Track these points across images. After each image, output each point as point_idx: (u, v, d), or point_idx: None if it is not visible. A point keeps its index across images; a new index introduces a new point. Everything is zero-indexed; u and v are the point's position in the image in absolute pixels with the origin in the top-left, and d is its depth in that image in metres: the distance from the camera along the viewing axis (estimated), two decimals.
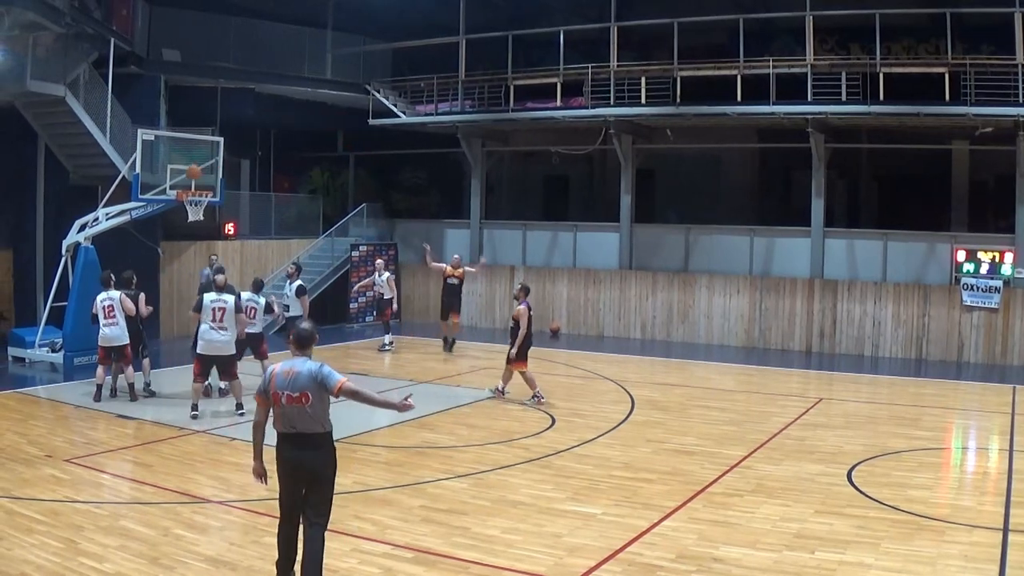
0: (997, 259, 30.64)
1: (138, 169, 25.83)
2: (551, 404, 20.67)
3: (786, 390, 23.66)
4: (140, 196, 26.13)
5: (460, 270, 29.45)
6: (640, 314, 33.88)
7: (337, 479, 10.01)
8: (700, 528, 12.42)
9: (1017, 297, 29.98)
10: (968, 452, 19.37)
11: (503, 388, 21.48)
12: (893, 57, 31.83)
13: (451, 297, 29.36)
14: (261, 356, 20.96)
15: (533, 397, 20.94)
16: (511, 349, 21.14)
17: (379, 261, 30.92)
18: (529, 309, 21.60)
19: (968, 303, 30.30)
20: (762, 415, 20.73)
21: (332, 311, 34.93)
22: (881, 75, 30.34)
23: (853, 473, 15.58)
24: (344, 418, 15.55)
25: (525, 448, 16.60)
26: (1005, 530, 12.82)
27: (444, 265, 29.90)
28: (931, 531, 12.54)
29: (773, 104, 30.94)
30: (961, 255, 31.04)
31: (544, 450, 16.26)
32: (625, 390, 23.13)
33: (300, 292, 24.92)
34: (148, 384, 20.81)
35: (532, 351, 21.86)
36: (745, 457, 16.52)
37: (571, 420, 19.20)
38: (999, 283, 30.10)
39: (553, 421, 19.01)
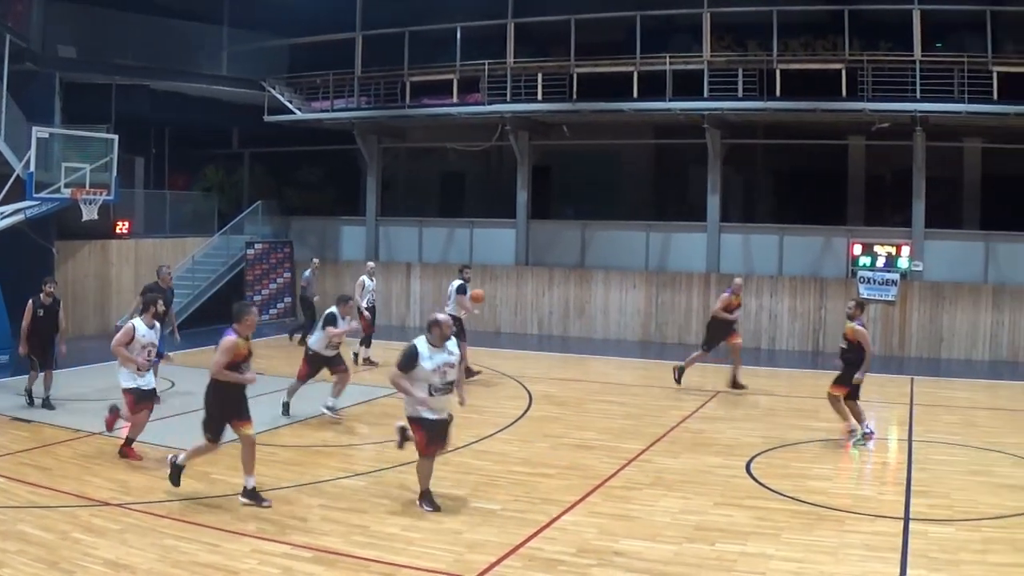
0: (894, 252, 31.09)
1: (32, 167, 25.47)
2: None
3: (684, 383, 23.77)
4: (34, 195, 25.77)
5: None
6: (537, 310, 33.97)
7: (234, 479, 9.93)
8: (600, 522, 12.46)
9: (914, 290, 30.47)
10: (867, 443, 19.61)
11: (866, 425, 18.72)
12: (790, 54, 32.07)
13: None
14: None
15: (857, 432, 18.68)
16: (856, 374, 18.16)
17: (370, 264, 29.00)
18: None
19: (865, 296, 30.67)
20: (660, 409, 20.85)
21: (227, 309, 34.33)
22: (778, 71, 30.65)
23: (752, 465, 15.73)
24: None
25: None
26: (906, 519, 13.00)
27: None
28: (832, 521, 12.68)
29: (670, 100, 31.16)
30: (858, 249, 31.56)
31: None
32: (523, 386, 23.17)
33: (461, 291, 24.14)
34: (47, 398, 20.13)
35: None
36: (644, 451, 16.60)
37: (469, 416, 19.05)
38: (896, 276, 30.59)
39: (450, 418, 18.95)
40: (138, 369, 15.14)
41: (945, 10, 30.86)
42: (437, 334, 12.73)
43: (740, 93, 31.11)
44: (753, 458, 16.17)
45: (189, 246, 35.44)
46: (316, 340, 18.80)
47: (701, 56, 31.65)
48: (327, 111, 35.99)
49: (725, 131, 32.86)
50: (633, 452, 16.42)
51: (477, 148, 36.34)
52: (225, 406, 12.94)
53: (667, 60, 31.47)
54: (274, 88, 35.87)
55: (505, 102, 33.15)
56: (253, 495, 12.88)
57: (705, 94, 31.18)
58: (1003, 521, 13.08)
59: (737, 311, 23.58)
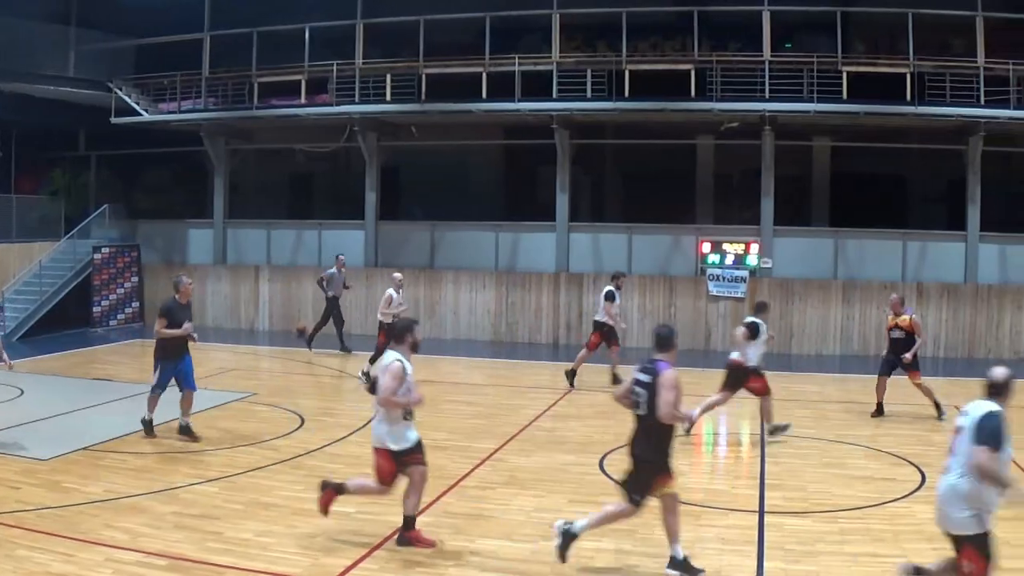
0: (743, 250, 31.58)
1: None
2: (298, 404, 20.56)
3: (535, 383, 23.95)
4: None
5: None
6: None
7: (86, 487, 9.80)
8: (455, 522, 12.52)
9: (763, 287, 30.96)
10: (719, 437, 19.94)
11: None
12: (639, 55, 32.40)
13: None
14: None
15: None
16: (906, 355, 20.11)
17: (397, 275, 26.15)
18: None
19: (714, 293, 31.21)
20: (512, 408, 20.97)
21: (75, 315, 33.97)
22: (627, 72, 30.93)
23: (605, 462, 15.85)
24: (92, 425, 15.29)
25: (275, 449, 16.44)
26: (761, 512, 13.27)
27: None
28: (687, 516, 12.74)
29: (519, 101, 31.28)
30: (706, 247, 31.97)
31: (295, 450, 16.14)
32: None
33: (609, 297, 23.98)
34: None
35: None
36: (496, 450, 16.69)
37: (321, 419, 19.10)
38: (744, 273, 31.05)
39: (303, 421, 18.83)
40: None
41: (795, 11, 31.43)
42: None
43: (589, 94, 31.35)
44: (606, 455, 16.26)
45: (36, 251, 34.66)
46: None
47: (550, 57, 31.86)
48: (174, 112, 35.44)
49: (574, 131, 33.06)
50: (486, 452, 16.51)
51: (325, 149, 36.12)
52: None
53: (516, 61, 31.62)
54: (121, 89, 35.24)
55: (354, 103, 33.01)
56: None
57: (554, 95, 31.38)
58: (859, 512, 13.41)
59: None
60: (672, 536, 11.10)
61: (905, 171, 35.05)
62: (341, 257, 30.23)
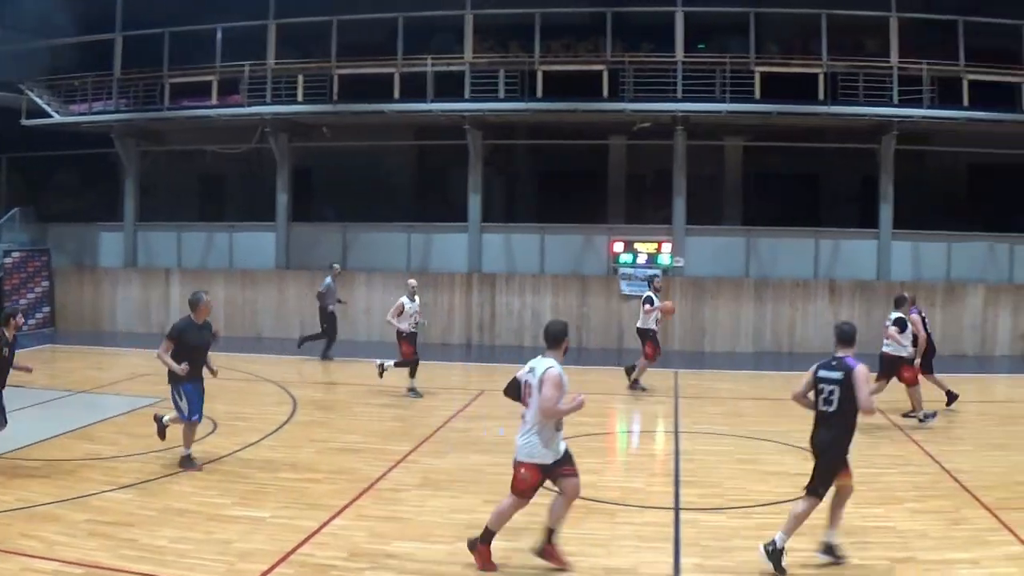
0: (655, 250, 31.83)
1: None
2: (210, 408, 20.46)
3: (448, 383, 24.00)
4: None
5: None
6: (299, 314, 33.57)
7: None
8: (371, 525, 12.48)
9: (675, 285, 31.16)
10: (634, 436, 20.10)
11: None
12: (552, 55, 32.58)
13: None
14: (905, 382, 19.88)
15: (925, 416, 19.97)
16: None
17: (411, 281, 24.51)
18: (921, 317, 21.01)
19: (626, 292, 31.38)
20: (426, 409, 20.97)
21: None
22: (540, 73, 31.11)
23: None
24: (2, 434, 15.15)
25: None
26: (676, 509, 13.36)
27: None
28: (603, 514, 12.93)
29: (431, 102, 31.36)
30: (619, 246, 32.14)
31: (208, 455, 15.95)
32: (287, 391, 22.96)
33: (648, 301, 23.91)
34: None
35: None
36: (411, 452, 16.65)
37: (233, 424, 18.95)
38: (657, 272, 31.22)
39: (215, 426, 18.58)
40: None
41: (708, 12, 31.78)
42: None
43: (502, 94, 31.48)
44: None
45: None
46: None
47: (463, 57, 31.97)
48: (86, 114, 35.14)
49: (487, 132, 33.16)
50: (400, 453, 16.45)
51: (237, 150, 35.84)
52: None
53: (429, 61, 31.70)
54: (32, 91, 34.92)
55: (265, 103, 32.96)
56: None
57: (467, 95, 31.49)
58: (774, 507, 13.51)
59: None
60: (833, 522, 11.51)
61: (818, 170, 35.54)
62: (336, 266, 30.12)
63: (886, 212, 32.41)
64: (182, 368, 15.02)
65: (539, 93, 31.38)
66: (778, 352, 31.27)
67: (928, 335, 20.71)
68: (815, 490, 11.42)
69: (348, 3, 32.68)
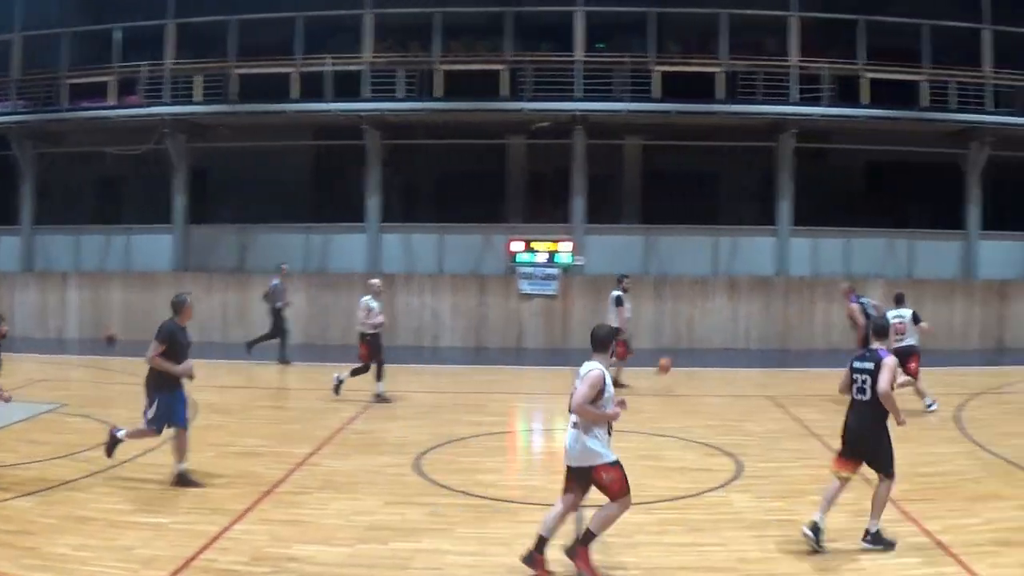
0: (555, 248, 31.94)
1: None
2: (110, 414, 20.24)
3: (347, 385, 23.97)
4: None
5: None
6: (196, 316, 32.89)
7: None
8: (272, 528, 12.37)
9: (574, 284, 31.36)
10: (535, 434, 20.17)
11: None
12: (452, 55, 32.63)
13: None
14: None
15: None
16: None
17: (374, 281, 23.94)
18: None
19: (526, 291, 31.47)
20: (326, 411, 20.87)
21: None
22: (440, 72, 31.16)
23: (421, 462, 15.90)
24: None
25: (89, 461, 15.98)
26: (578, 506, 13.45)
27: None
28: (505, 513, 12.94)
29: (330, 102, 31.29)
30: (518, 246, 32.21)
31: (109, 462, 15.86)
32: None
33: (618, 303, 23.90)
34: None
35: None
36: (311, 454, 16.57)
37: None
38: (556, 271, 31.38)
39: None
40: None
41: (608, 12, 32.03)
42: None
43: (401, 94, 31.49)
44: (422, 455, 16.36)
45: None
46: None
47: (362, 57, 31.91)
48: None
49: (385, 132, 33.16)
50: (301, 456, 16.36)
51: (135, 152, 35.46)
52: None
53: (328, 61, 31.61)
54: None
55: (163, 104, 32.73)
56: None
57: (365, 95, 31.44)
58: (676, 503, 13.64)
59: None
60: (876, 511, 12.02)
61: (717, 168, 35.96)
62: (284, 266, 29.70)
63: (785, 209, 32.86)
64: (185, 368, 14.90)
65: (438, 93, 31.42)
66: (677, 349, 31.44)
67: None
68: (885, 471, 12.16)
69: (247, 3, 32.51)
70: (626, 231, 34.52)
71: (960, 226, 35.17)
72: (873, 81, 32.63)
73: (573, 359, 28.07)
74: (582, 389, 10.97)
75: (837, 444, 12.33)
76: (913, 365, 20.78)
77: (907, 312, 21.14)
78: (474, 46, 34.21)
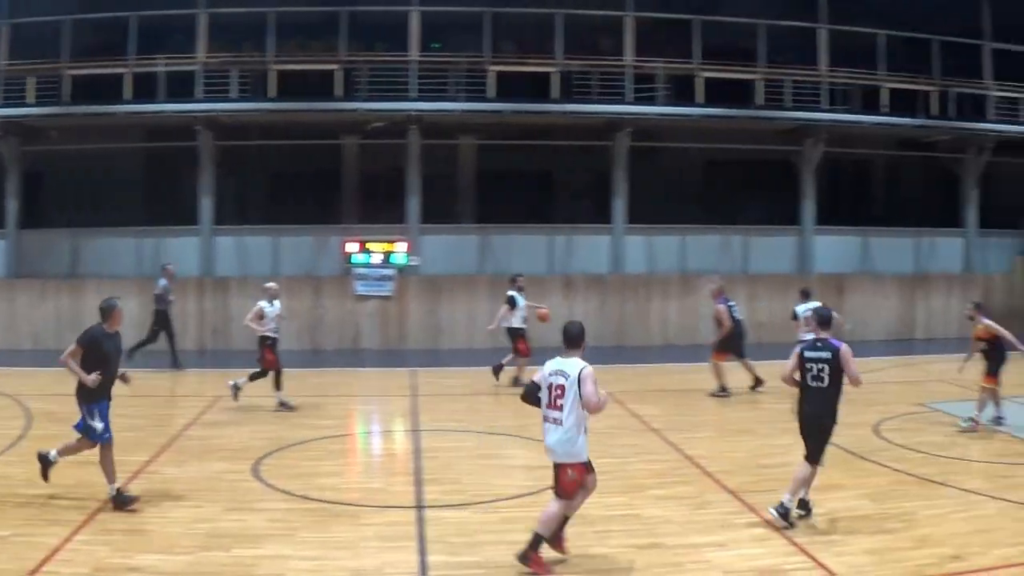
0: (390, 249, 31.88)
1: None
2: None
3: (184, 390, 23.71)
4: None
5: None
6: (30, 324, 32.57)
7: None
8: (113, 539, 12.17)
9: (410, 284, 31.39)
10: (373, 436, 20.13)
11: None
12: (286, 55, 32.40)
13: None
14: None
15: None
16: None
17: (271, 284, 22.90)
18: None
19: (362, 292, 31.38)
20: (163, 418, 20.73)
21: None
22: (274, 72, 30.92)
23: (260, 467, 15.84)
24: None
25: None
26: (419, 507, 13.42)
27: None
28: (345, 516, 12.95)
29: (163, 102, 30.88)
30: (353, 246, 32.09)
31: None
32: (21, 404, 22.23)
33: (510, 301, 24.15)
34: None
35: None
36: (149, 462, 16.33)
37: None
38: (391, 272, 31.33)
39: None
40: None
41: (443, 11, 32.08)
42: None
43: (234, 94, 31.18)
44: (261, 460, 16.30)
45: None
46: None
47: (196, 57, 31.52)
48: None
49: (219, 133, 32.84)
50: (139, 464, 16.09)
51: None
52: None
53: (161, 61, 31.20)
54: None
55: None
56: None
57: (199, 96, 31.08)
58: (518, 500, 13.74)
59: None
60: (793, 487, 12.87)
61: (552, 167, 36.25)
62: (169, 266, 29.03)
63: (620, 207, 33.22)
64: (93, 379, 13.71)
65: (272, 93, 31.19)
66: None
67: (737, 322, 23.12)
68: (816, 459, 12.94)
69: (80, 2, 31.95)
70: (461, 230, 34.65)
71: (796, 221, 35.88)
72: (708, 80, 33.15)
73: (410, 360, 28.25)
74: (590, 388, 11.21)
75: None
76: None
77: (817, 305, 21.83)
78: (309, 46, 34.05)
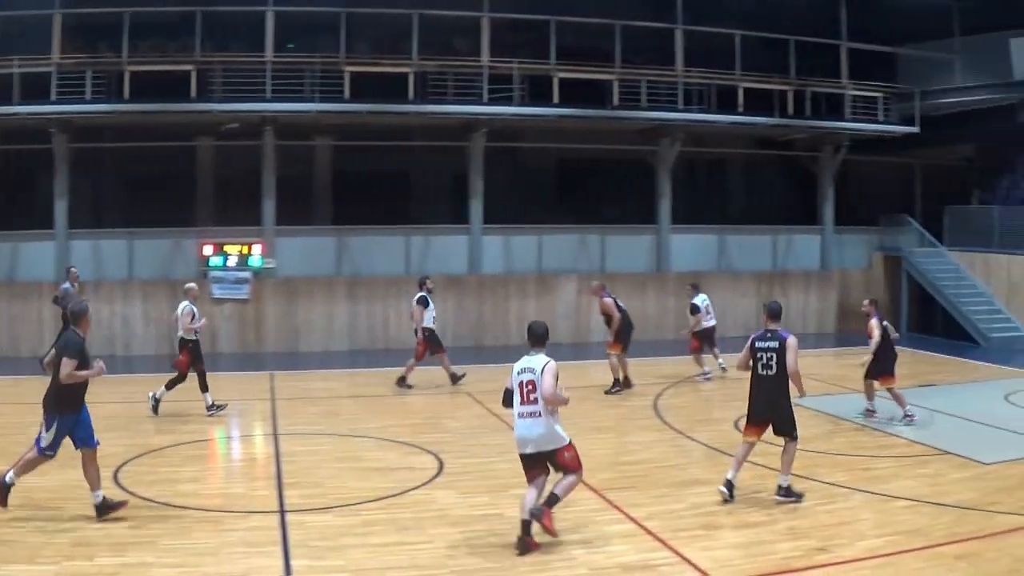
0: (246, 251, 31.62)
1: None
2: None
3: (35, 397, 23.26)
4: None
5: None
6: None
7: None
8: None
9: (267, 287, 31.27)
10: (233, 441, 19.95)
11: None
12: (141, 56, 31.95)
13: None
14: None
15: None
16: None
17: (191, 285, 23.39)
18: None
19: (218, 295, 31.11)
20: (19, 426, 20.22)
21: None
22: (128, 73, 30.50)
23: (119, 474, 15.72)
24: None
25: None
26: (281, 511, 13.47)
27: None
28: (208, 522, 12.91)
29: (16, 104, 30.28)
30: (208, 249, 31.79)
31: None
32: None
33: (421, 302, 23.94)
34: None
35: None
36: (6, 472, 16.05)
37: None
38: (248, 274, 31.10)
39: None
40: None
41: (299, 11, 31.92)
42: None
43: (89, 96, 30.70)
44: (120, 468, 16.14)
45: None
46: None
47: (50, 58, 30.98)
48: None
49: (73, 135, 32.28)
50: None
51: None
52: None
53: (15, 62, 30.61)
54: None
55: None
56: None
57: (53, 97, 30.53)
58: (380, 503, 13.86)
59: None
60: (785, 468, 14.04)
61: (409, 168, 36.33)
62: (73, 270, 28.32)
63: (476, 208, 33.33)
64: (100, 366, 14.03)
65: (127, 94, 30.72)
66: (372, 349, 31.84)
67: (623, 315, 23.57)
68: (791, 434, 14.05)
69: None
70: (318, 232, 34.52)
71: (653, 220, 36.21)
72: (564, 80, 33.31)
73: (268, 363, 28.04)
74: (548, 380, 11.90)
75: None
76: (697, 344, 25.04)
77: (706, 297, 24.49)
78: (164, 46, 33.63)
